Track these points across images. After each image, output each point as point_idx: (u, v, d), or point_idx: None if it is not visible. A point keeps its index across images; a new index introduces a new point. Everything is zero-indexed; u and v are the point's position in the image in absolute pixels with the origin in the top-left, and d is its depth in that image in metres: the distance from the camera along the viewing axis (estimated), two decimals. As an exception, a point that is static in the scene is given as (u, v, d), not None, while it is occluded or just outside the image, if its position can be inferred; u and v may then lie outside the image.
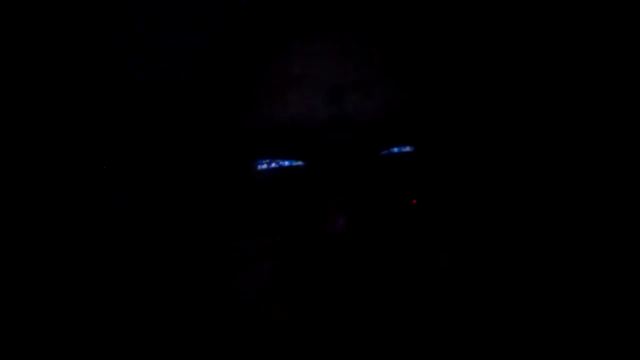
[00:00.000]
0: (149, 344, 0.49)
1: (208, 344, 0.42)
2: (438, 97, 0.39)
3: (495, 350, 0.43)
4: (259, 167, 0.39)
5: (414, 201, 0.39)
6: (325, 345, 0.37)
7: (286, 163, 0.39)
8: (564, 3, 0.56)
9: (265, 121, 0.38)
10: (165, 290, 0.48)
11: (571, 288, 0.52)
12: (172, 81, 0.56)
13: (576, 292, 0.52)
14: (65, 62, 0.59)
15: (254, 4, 0.43)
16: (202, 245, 0.42)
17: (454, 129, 0.40)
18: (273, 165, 0.39)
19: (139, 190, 0.55)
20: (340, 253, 0.36)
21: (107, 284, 0.56)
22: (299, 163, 0.39)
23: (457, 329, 0.39)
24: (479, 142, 0.42)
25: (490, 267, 0.42)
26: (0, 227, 0.57)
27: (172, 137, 0.46)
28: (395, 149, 0.39)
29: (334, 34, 0.39)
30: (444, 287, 0.38)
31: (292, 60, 0.39)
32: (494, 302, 0.43)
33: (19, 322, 0.56)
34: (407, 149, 0.39)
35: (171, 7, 0.58)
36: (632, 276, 0.53)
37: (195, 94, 0.44)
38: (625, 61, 0.56)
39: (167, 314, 0.47)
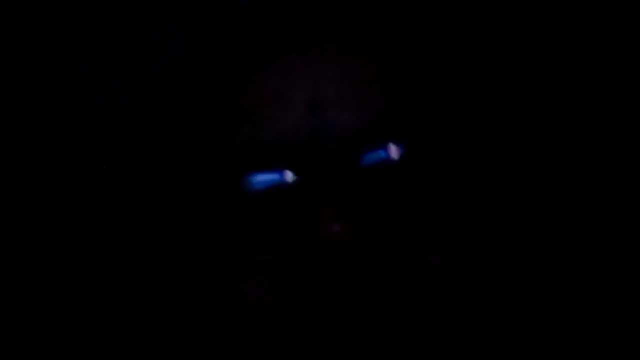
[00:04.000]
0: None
1: (208, 352, 0.43)
2: (421, 101, 0.40)
3: (493, 352, 0.43)
4: (251, 183, 0.39)
5: (408, 204, 0.39)
6: (324, 352, 0.37)
7: (277, 177, 0.39)
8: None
9: (251, 140, 0.39)
10: (166, 303, 0.48)
11: (569, 290, 0.52)
12: (158, 98, 0.57)
13: (575, 294, 0.52)
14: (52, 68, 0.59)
15: (230, 29, 0.44)
16: (199, 261, 0.42)
17: (441, 131, 0.41)
18: (264, 180, 0.39)
19: (136, 204, 0.56)
20: (336, 259, 0.36)
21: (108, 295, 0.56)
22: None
23: (454, 331, 0.39)
24: (469, 144, 0.42)
25: (488, 268, 0.42)
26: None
27: (161, 156, 0.47)
28: (382, 154, 0.39)
29: (309, 49, 0.40)
30: (441, 289, 0.38)
31: (271, 79, 0.40)
32: (492, 304, 0.43)
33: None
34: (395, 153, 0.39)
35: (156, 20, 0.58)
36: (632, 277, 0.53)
37: (180, 114, 0.45)
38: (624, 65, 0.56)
39: (168, 325, 0.48)
